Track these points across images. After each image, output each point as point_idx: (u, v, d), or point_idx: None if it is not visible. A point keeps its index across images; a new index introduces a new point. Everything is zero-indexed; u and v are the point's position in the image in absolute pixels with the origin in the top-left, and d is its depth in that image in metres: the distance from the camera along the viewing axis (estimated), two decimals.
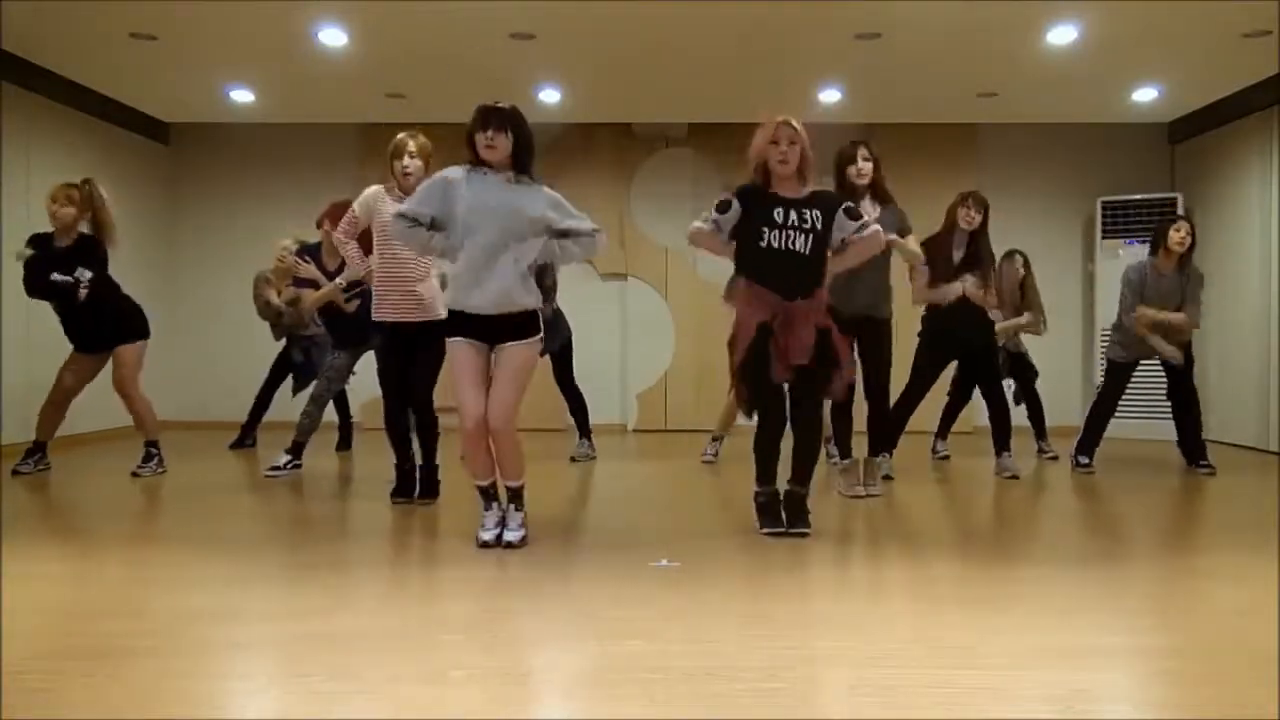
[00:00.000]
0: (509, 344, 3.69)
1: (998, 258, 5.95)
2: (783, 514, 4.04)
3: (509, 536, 3.77)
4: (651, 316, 8.81)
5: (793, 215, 3.92)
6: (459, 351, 3.69)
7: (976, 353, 5.73)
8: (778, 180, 3.97)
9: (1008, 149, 8.64)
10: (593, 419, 8.83)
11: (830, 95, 7.55)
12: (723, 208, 4.00)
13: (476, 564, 3.54)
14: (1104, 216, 8.39)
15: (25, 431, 6.53)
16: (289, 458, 5.65)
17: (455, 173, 3.74)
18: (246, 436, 7.08)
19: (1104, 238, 8.39)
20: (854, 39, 6.22)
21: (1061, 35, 6.16)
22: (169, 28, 6.10)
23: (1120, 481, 5.70)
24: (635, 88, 7.49)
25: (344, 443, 7.03)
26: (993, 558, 3.79)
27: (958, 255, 5.49)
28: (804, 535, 3.95)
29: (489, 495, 3.88)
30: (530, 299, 3.69)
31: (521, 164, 3.70)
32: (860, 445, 5.17)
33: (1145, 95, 7.60)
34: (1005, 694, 2.22)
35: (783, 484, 4.08)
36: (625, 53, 6.58)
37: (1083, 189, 8.58)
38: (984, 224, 5.46)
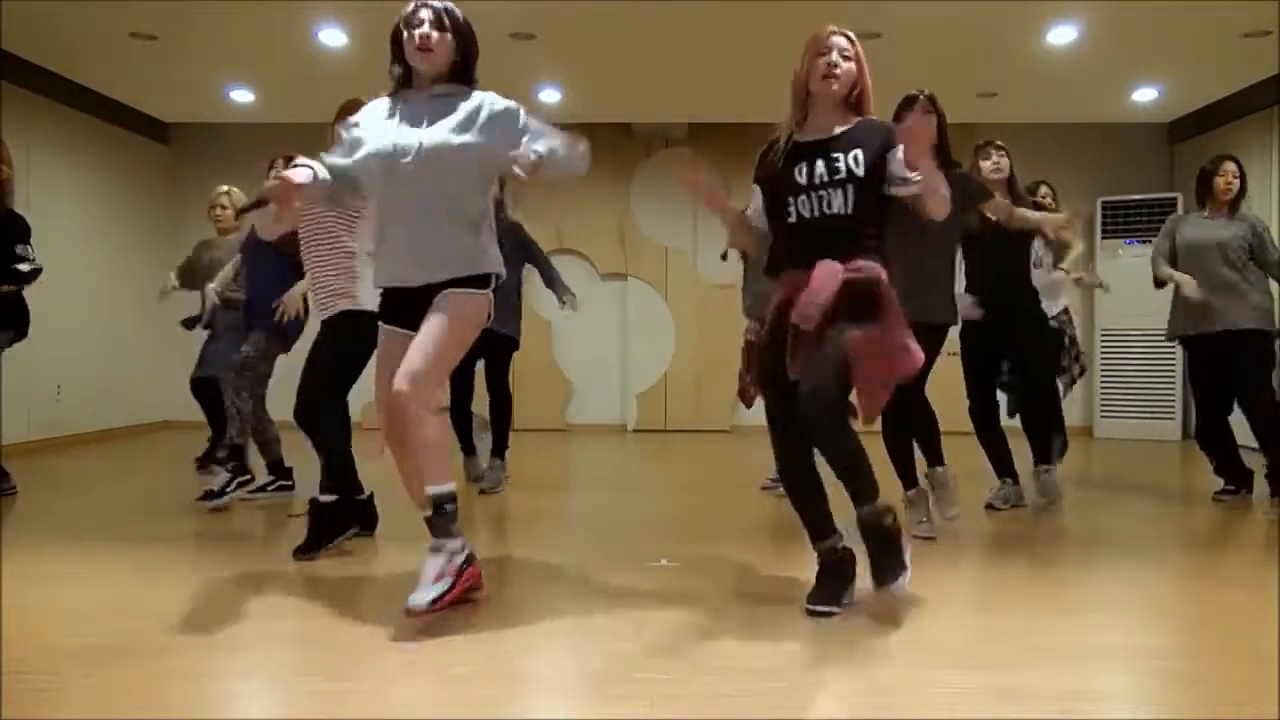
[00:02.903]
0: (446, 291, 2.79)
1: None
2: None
3: (413, 599, 2.64)
4: (651, 316, 8.81)
5: (820, 168, 2.87)
6: (385, 342, 2.91)
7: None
8: (819, 114, 2.97)
9: (1008, 149, 8.63)
10: (593, 419, 8.92)
11: None
12: (753, 203, 3.08)
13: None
14: (1104, 216, 8.39)
15: (25, 431, 6.55)
16: (271, 478, 4.90)
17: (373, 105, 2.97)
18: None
19: (1104, 238, 8.39)
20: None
21: (1061, 35, 6.16)
22: (169, 28, 6.10)
23: (1120, 482, 5.69)
24: (635, 88, 7.49)
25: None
26: (992, 558, 3.79)
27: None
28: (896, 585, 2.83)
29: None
30: (485, 261, 2.85)
31: (464, 75, 2.92)
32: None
33: (1145, 95, 7.60)
34: (1005, 694, 2.22)
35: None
36: (625, 53, 6.58)
37: (1083, 189, 8.57)
38: (1013, 171, 4.61)
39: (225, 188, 5.84)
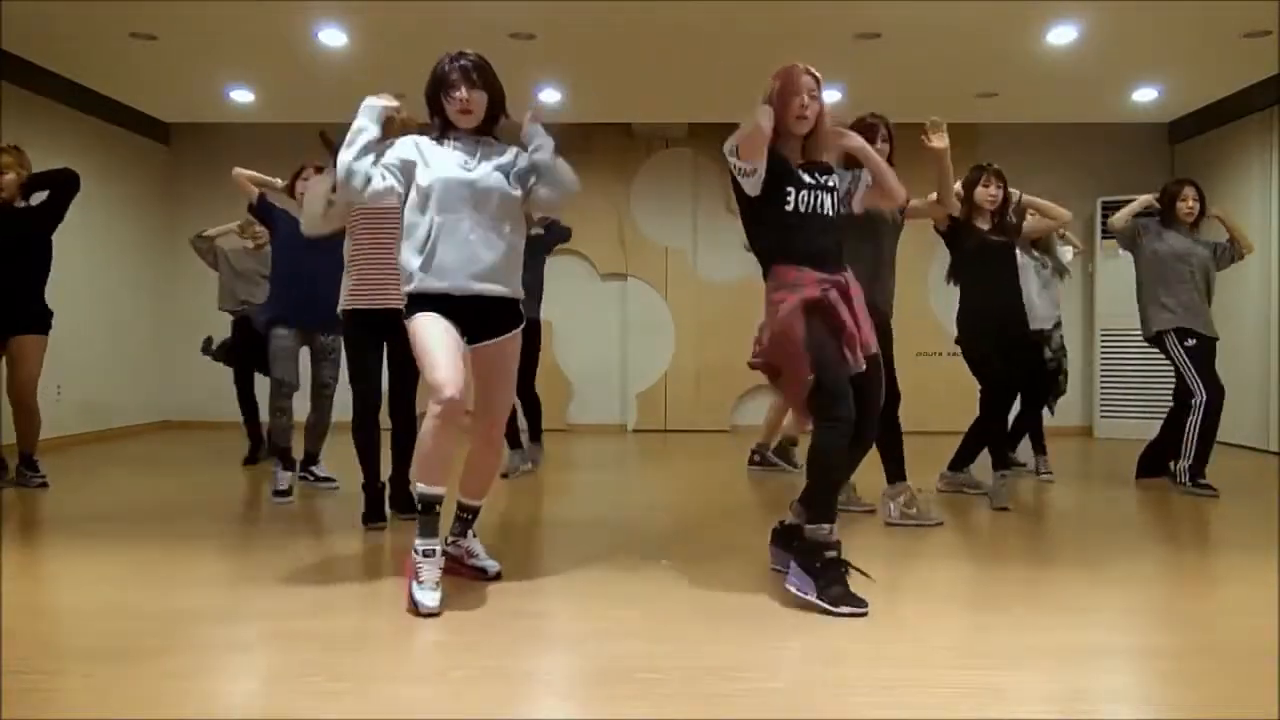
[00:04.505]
0: (494, 339, 3.15)
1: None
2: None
3: (486, 565, 3.27)
4: (651, 316, 8.81)
5: (815, 172, 3.20)
6: (428, 321, 3.02)
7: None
8: (786, 141, 3.20)
9: (1008, 149, 8.62)
10: (593, 419, 8.92)
11: (830, 95, 7.52)
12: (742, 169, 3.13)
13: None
14: (1104, 216, 8.39)
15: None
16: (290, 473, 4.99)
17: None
18: (259, 449, 6.31)
19: (1104, 238, 8.38)
20: (854, 39, 6.22)
21: (1061, 35, 6.16)
22: (169, 28, 6.09)
23: (1119, 481, 5.69)
24: (635, 88, 7.49)
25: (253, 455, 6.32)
26: (992, 558, 3.79)
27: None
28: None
29: (432, 511, 2.98)
30: (516, 282, 3.19)
31: (496, 119, 3.20)
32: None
33: (1145, 95, 7.60)
34: (1005, 694, 2.22)
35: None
36: (625, 53, 6.58)
37: (1083, 189, 8.57)
38: (1005, 198, 4.83)
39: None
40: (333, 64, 6.64)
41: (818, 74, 3.21)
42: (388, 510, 4.27)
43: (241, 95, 7.68)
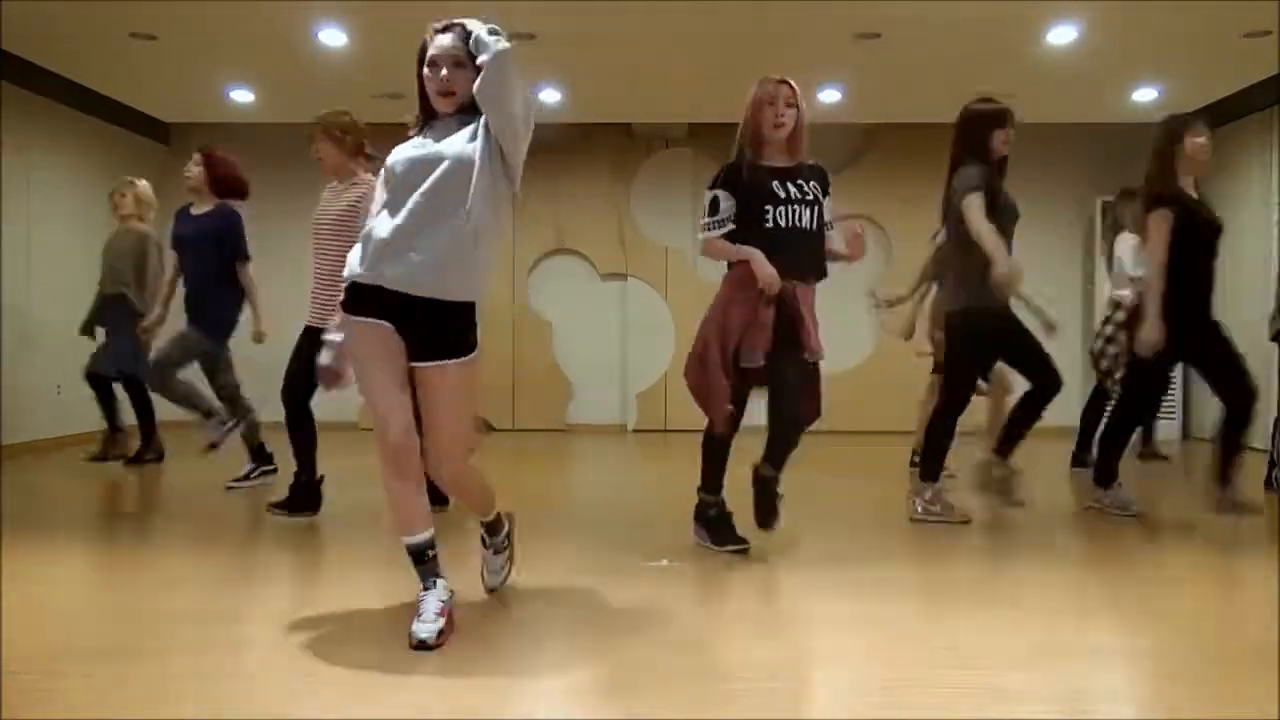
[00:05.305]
0: (432, 363, 2.58)
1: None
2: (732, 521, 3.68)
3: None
4: (651, 316, 8.81)
5: (792, 188, 3.46)
6: (358, 333, 2.58)
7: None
8: (768, 149, 3.51)
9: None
10: (593, 419, 8.92)
11: (830, 95, 7.55)
12: (714, 208, 3.50)
13: (475, 564, 3.53)
14: (1104, 216, 8.38)
15: (21, 432, 6.55)
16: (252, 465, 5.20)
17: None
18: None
19: (1104, 238, 8.38)
20: (854, 39, 6.22)
21: (1061, 35, 6.16)
22: (169, 28, 6.10)
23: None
24: (635, 88, 7.49)
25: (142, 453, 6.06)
26: (992, 558, 3.79)
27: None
28: (770, 530, 3.60)
29: (425, 560, 2.62)
30: (472, 283, 2.61)
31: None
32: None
33: (1145, 95, 7.60)
34: (1005, 694, 2.22)
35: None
36: (625, 53, 6.58)
37: (1083, 189, 8.57)
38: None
39: (129, 178, 6.09)
40: (333, 64, 6.63)
41: (795, 86, 3.50)
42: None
43: (241, 95, 7.68)
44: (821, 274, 3.55)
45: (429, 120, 2.73)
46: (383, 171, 2.72)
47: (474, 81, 2.57)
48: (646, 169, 8.83)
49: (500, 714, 2.14)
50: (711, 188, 3.54)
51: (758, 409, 3.67)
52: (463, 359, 2.60)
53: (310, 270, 4.27)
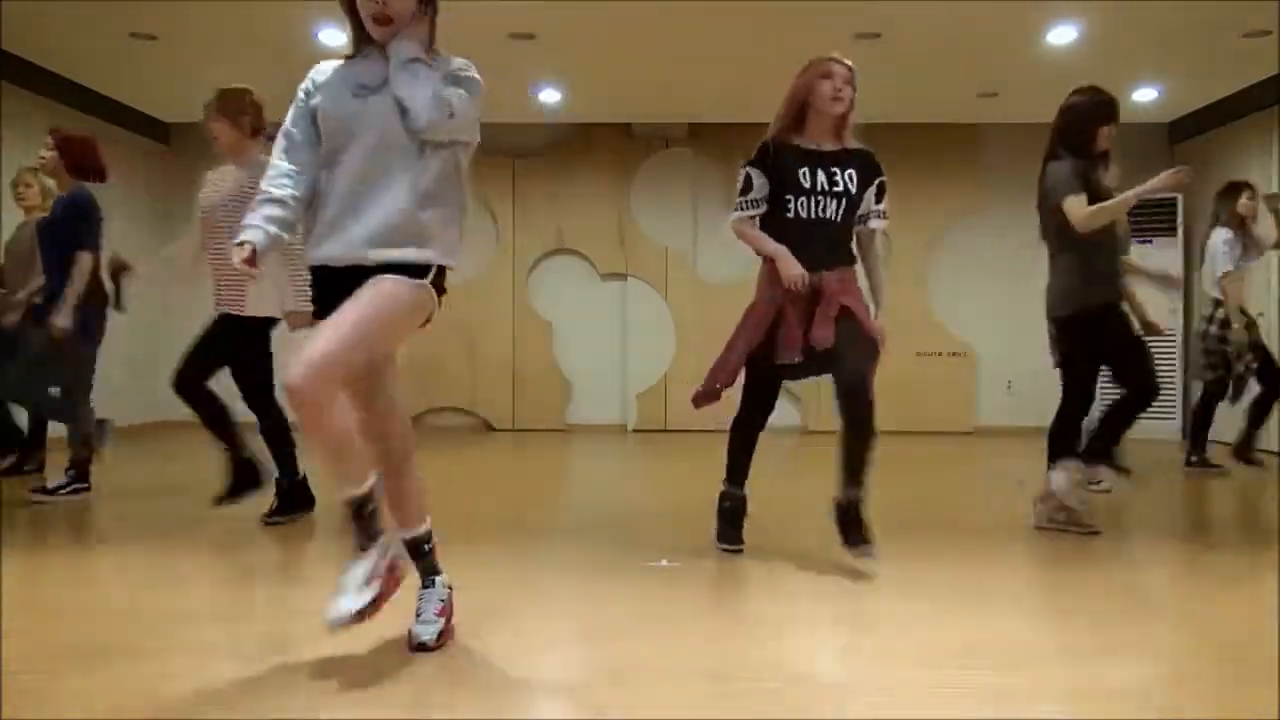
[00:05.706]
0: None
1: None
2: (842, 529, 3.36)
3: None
4: (651, 316, 8.81)
5: (821, 177, 3.36)
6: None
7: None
8: (815, 127, 3.42)
9: (1008, 149, 8.63)
10: (593, 419, 8.92)
11: None
12: (747, 186, 3.42)
13: (475, 565, 3.53)
14: None
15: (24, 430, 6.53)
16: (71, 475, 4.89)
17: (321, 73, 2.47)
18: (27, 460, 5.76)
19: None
20: (854, 39, 6.22)
21: (1061, 35, 6.17)
22: (169, 28, 6.10)
23: (1119, 481, 5.68)
24: (635, 88, 7.50)
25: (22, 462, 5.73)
26: (992, 558, 3.79)
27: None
28: (867, 554, 3.28)
29: (423, 555, 2.48)
30: (426, 247, 2.32)
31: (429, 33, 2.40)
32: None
33: (1145, 95, 7.60)
34: (1005, 694, 2.22)
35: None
36: (625, 53, 6.59)
37: None
38: None
39: (32, 165, 5.42)
40: None
41: (852, 65, 3.43)
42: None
43: None
44: (850, 260, 3.44)
45: (360, 48, 2.47)
46: (295, 109, 2.52)
47: (415, 7, 2.38)
48: (646, 169, 8.84)
49: (500, 714, 2.14)
50: (748, 164, 3.44)
51: (781, 407, 3.69)
52: (402, 279, 2.27)
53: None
